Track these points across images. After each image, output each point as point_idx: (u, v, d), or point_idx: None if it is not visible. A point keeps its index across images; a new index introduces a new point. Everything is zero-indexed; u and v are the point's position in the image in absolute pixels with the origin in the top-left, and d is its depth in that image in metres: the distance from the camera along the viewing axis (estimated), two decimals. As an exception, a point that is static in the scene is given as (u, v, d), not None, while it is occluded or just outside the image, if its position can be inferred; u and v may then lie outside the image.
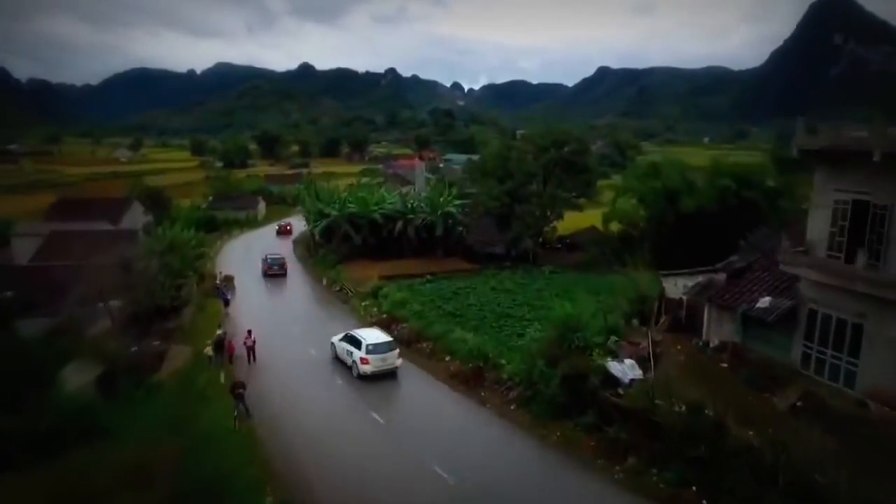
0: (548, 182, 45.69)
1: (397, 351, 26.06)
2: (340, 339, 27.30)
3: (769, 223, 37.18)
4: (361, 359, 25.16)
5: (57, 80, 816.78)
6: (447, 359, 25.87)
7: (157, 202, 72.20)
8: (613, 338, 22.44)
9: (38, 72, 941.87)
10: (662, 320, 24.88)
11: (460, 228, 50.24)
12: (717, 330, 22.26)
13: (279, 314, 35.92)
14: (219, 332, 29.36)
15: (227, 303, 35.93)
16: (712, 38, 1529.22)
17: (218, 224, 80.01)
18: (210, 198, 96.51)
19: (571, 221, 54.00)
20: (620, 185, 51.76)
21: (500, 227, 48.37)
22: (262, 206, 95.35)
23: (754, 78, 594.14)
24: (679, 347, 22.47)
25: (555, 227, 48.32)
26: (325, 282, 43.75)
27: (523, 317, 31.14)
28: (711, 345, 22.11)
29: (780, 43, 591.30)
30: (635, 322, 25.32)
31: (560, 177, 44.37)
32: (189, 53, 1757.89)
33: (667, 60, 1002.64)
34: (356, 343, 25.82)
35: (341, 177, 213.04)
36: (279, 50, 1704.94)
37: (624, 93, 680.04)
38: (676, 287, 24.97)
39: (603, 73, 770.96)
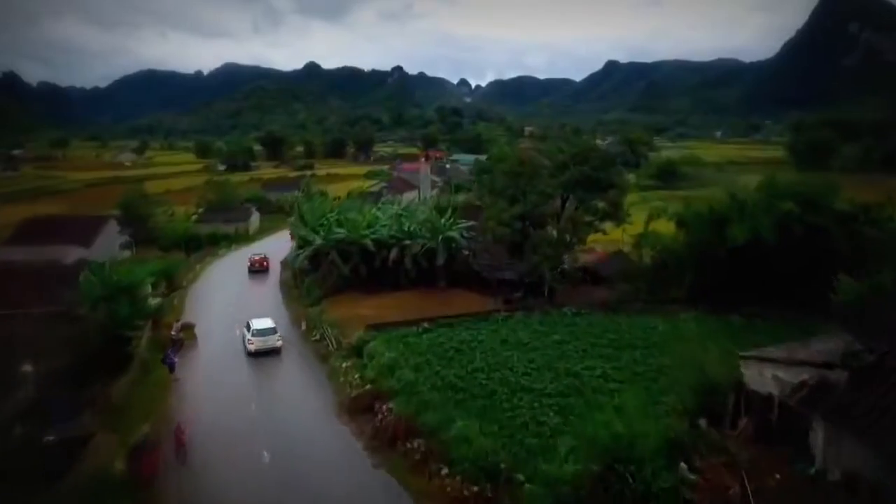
0: (567, 202, 38.50)
1: (278, 335, 33.28)
2: (244, 327, 34.25)
3: (844, 256, 29.86)
4: (248, 340, 32.83)
5: (67, 83, 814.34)
6: (443, 472, 18.86)
7: (136, 218, 65.26)
8: (683, 467, 15.34)
9: (49, 75, 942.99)
10: (742, 425, 17.73)
11: (466, 253, 43.23)
12: (836, 455, 15.11)
13: (237, 386, 28.66)
14: (143, 431, 21.69)
15: (172, 367, 28.85)
16: (722, 29, 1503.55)
17: (203, 241, 73.50)
18: (200, 209, 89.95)
19: (592, 241, 47.08)
20: (657, 205, 44.39)
21: (512, 253, 41.27)
22: (255, 217, 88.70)
23: (766, 70, 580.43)
24: (779, 477, 15.36)
25: (576, 253, 40.80)
26: (304, 325, 36.82)
27: (544, 390, 23.99)
28: (830, 476, 14.98)
29: (792, 33, 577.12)
30: (702, 423, 18.17)
31: (582, 196, 37.17)
32: (196, 54, 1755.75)
33: (676, 53, 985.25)
34: (248, 328, 33.56)
35: (346, 179, 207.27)
36: (286, 49, 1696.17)
37: (632, 87, 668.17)
38: (763, 377, 17.81)
39: (611, 67, 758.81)
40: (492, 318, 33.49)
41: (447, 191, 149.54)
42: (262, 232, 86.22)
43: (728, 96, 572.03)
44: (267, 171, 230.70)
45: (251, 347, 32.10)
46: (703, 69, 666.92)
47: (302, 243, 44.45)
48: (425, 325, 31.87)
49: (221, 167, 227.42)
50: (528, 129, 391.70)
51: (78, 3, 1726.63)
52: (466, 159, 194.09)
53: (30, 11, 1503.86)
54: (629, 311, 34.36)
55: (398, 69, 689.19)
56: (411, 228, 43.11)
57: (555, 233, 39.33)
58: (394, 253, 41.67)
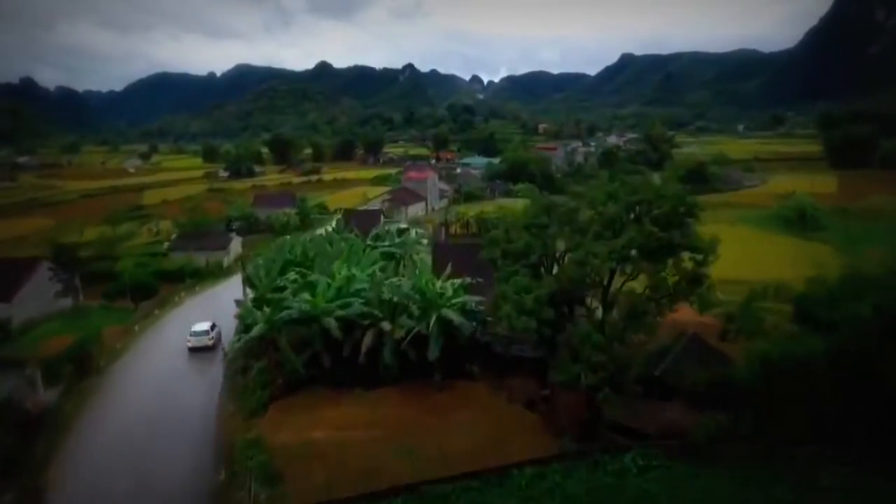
0: (616, 274, 25.31)
1: (210, 335, 39.44)
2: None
3: None
4: (188, 339, 39.36)
5: (84, 87, 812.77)
6: None
7: (72, 261, 53.14)
8: None
9: (66, 80, 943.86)
10: None
11: (474, 328, 30.37)
12: None
13: None
14: None
15: None
16: (741, 19, 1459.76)
17: (168, 278, 61.52)
18: (173, 235, 78.00)
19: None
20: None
21: (538, 345, 28.32)
22: (235, 243, 76.40)
23: (787, 60, 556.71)
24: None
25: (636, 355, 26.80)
26: (222, 474, 24.14)
27: None
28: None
29: (814, 21, 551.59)
30: None
31: (644, 266, 24.05)
32: (209, 56, 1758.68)
33: (693, 45, 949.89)
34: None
35: (353, 184, 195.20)
36: (297, 49, 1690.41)
37: (649, 80, 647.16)
38: None
39: (626, 60, 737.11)
40: (509, 480, 20.55)
41: (458, 200, 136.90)
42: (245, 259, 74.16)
43: (748, 88, 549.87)
44: (272, 176, 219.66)
45: (188, 345, 39.10)
46: (721, 60, 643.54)
47: (243, 325, 31.74)
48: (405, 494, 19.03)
49: (224, 174, 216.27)
50: (542, 127, 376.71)
51: (92, 8, 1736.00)
52: (479, 162, 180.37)
53: (46, 17, 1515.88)
54: (728, 459, 21.23)
55: (409, 67, 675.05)
56: (395, 299, 30.16)
57: (600, 310, 26.32)
58: (368, 339, 28.86)
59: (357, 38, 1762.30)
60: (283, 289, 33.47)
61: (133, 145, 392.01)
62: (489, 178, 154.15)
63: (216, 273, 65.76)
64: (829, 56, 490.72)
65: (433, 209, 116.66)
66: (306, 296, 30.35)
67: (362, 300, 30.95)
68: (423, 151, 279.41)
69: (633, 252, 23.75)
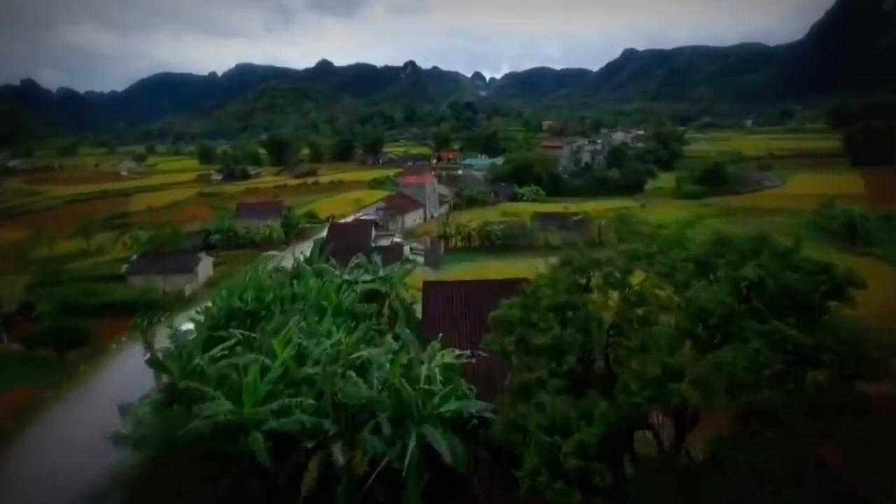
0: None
1: None
2: None
3: None
4: None
5: (85, 88, 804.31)
6: None
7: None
8: None
9: (68, 81, 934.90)
10: None
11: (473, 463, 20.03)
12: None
13: None
14: None
15: None
16: (745, 12, 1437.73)
17: (110, 311, 51.34)
18: (134, 256, 67.77)
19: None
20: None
21: None
22: (205, 265, 66.17)
23: (794, 53, 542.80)
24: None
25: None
26: None
27: None
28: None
29: (821, 14, 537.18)
30: None
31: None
32: (210, 55, 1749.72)
33: (697, 39, 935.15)
34: None
35: (350, 186, 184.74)
36: (299, 47, 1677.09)
37: (652, 75, 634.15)
38: None
39: (629, 55, 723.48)
40: None
41: (459, 206, 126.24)
42: (212, 286, 64.03)
43: (754, 82, 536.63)
44: (267, 178, 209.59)
45: None
46: (725, 54, 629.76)
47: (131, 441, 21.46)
48: None
49: (217, 176, 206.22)
50: (546, 124, 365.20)
51: (94, 9, 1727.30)
52: (481, 163, 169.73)
53: (48, 18, 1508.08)
54: None
55: (411, 64, 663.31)
56: (353, 402, 19.85)
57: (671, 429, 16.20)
58: (313, 470, 18.59)
59: (358, 36, 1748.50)
60: (203, 373, 23.15)
61: (131, 146, 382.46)
62: (493, 181, 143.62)
63: (176, 303, 55.55)
64: (836, 49, 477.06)
65: (432, 216, 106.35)
66: (228, 404, 19.97)
67: (311, 399, 20.63)
68: (425, 151, 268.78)
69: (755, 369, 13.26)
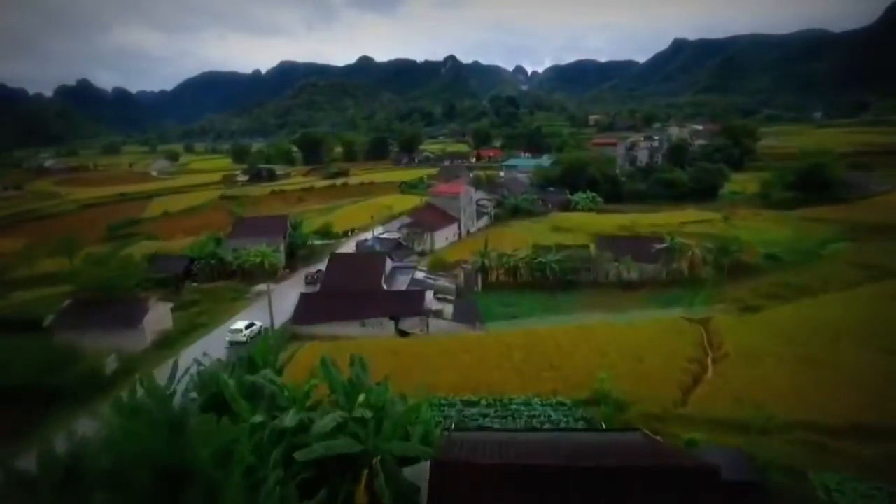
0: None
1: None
2: None
3: None
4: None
5: (137, 88, 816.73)
6: None
7: None
8: None
9: (121, 81, 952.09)
10: None
11: None
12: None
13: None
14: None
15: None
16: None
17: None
18: (66, 301, 50.10)
19: None
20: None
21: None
22: (154, 316, 47.88)
23: (862, 38, 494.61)
24: None
25: None
26: None
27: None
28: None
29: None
30: None
31: None
32: (254, 54, 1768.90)
33: (752, 27, 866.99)
34: None
35: (382, 189, 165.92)
36: (340, 44, 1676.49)
37: (703, 66, 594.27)
38: None
39: (679, 45, 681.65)
40: None
41: (502, 217, 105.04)
42: (166, 347, 46.00)
43: (818, 71, 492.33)
44: (295, 179, 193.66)
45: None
46: (784, 42, 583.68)
47: None
48: None
49: (243, 177, 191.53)
50: (592, 118, 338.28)
51: (145, 11, 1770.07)
52: (526, 164, 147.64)
53: (102, 21, 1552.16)
54: None
55: (451, 58, 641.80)
56: None
57: None
58: None
59: (399, 31, 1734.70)
60: None
61: (171, 145, 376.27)
62: (540, 185, 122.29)
63: (91, 390, 37.31)
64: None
65: (468, 232, 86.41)
66: None
67: None
68: (463, 148, 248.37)
69: None
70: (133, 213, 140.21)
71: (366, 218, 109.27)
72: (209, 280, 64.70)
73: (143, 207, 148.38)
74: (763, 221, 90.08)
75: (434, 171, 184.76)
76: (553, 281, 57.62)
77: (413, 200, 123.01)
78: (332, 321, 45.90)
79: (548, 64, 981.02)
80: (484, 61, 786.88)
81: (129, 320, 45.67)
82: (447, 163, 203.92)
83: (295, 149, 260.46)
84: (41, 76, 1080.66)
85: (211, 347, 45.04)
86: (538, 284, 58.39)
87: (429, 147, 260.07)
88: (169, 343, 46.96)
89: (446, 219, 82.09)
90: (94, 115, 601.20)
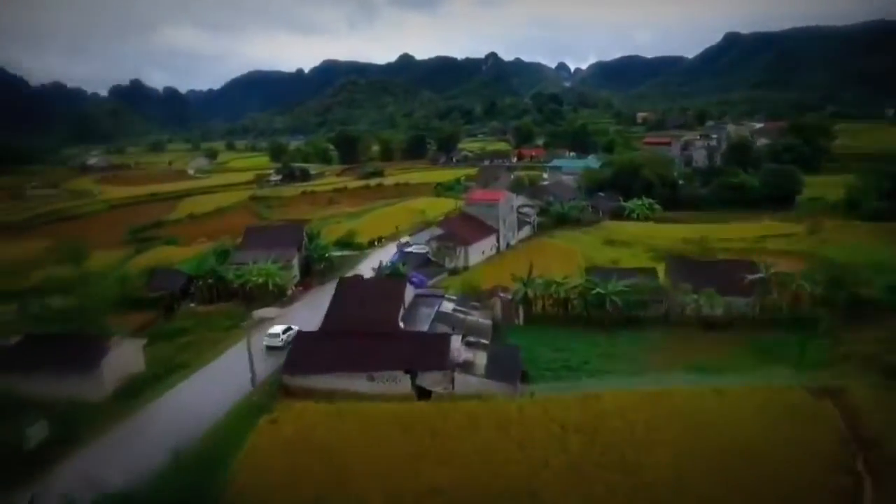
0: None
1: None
2: None
3: None
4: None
5: (187, 87, 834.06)
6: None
7: None
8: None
9: (172, 80, 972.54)
10: None
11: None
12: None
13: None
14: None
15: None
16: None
17: None
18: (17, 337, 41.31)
19: None
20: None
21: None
22: (117, 358, 38.10)
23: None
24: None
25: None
26: None
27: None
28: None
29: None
30: None
31: None
32: (298, 53, 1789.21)
33: (810, 19, 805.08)
34: None
35: (417, 190, 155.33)
36: (382, 42, 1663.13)
37: (758, 61, 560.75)
38: None
39: (731, 39, 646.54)
40: None
41: (547, 227, 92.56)
42: (132, 396, 36.58)
43: (884, 66, 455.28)
44: (329, 180, 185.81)
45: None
46: (845, 35, 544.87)
47: None
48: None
49: (276, 177, 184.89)
50: (641, 115, 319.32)
51: (193, 11, 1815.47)
52: (573, 165, 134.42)
53: (155, 23, 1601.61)
54: None
55: (492, 56, 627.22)
56: None
57: None
58: None
59: (440, 29, 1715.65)
60: None
61: (213, 143, 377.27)
62: (588, 189, 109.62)
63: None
64: None
65: (508, 245, 75.02)
66: None
67: None
68: (503, 147, 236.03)
69: None
70: (160, 214, 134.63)
71: (396, 224, 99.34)
72: (207, 301, 55.61)
73: (171, 208, 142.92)
74: (859, 236, 75.28)
75: (472, 171, 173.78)
76: (613, 315, 45.80)
77: (448, 204, 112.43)
78: (332, 372, 35.59)
79: (592, 60, 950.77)
80: (526, 58, 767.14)
81: (85, 362, 36.53)
82: (486, 162, 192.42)
83: (331, 147, 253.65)
84: (98, 76, 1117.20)
85: (184, 400, 35.61)
86: (594, 320, 46.65)
87: (468, 146, 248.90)
88: (135, 390, 37.60)
89: (483, 230, 70.94)
90: (145, 113, 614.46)
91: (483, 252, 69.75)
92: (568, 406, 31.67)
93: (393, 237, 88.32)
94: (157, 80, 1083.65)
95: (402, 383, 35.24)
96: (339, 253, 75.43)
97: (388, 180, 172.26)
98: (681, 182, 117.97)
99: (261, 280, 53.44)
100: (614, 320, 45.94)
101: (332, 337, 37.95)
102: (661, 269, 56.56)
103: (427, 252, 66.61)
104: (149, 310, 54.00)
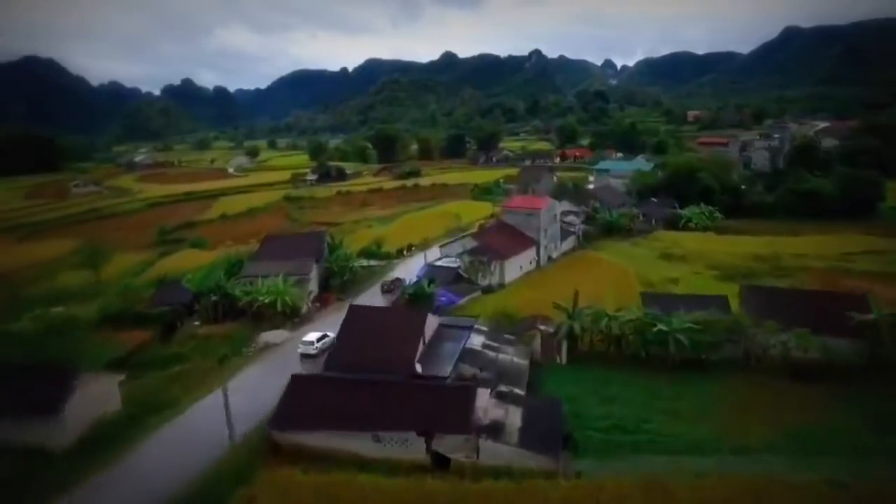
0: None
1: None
2: None
3: None
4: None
5: (235, 86, 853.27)
6: None
7: None
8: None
9: (223, 80, 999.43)
10: None
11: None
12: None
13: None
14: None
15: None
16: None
17: None
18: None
19: None
20: None
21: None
22: (87, 398, 32.51)
23: None
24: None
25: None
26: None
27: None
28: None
29: None
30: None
31: None
32: (343, 52, 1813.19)
33: (881, 10, 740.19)
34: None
35: (453, 192, 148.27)
36: (425, 40, 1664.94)
37: (821, 56, 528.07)
38: None
39: (790, 34, 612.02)
40: None
41: (594, 237, 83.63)
42: (100, 443, 31.13)
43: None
44: (365, 179, 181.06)
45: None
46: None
47: None
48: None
49: (312, 176, 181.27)
50: (692, 114, 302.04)
51: (242, 12, 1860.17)
52: (622, 167, 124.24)
53: (206, 24, 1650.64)
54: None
55: (536, 53, 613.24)
56: None
57: None
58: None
59: (483, 26, 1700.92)
60: None
61: (256, 141, 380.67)
62: (640, 194, 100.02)
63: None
64: None
65: (549, 259, 67.00)
66: None
67: None
68: (545, 147, 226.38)
69: None
70: (194, 214, 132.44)
71: (428, 230, 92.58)
72: (212, 320, 50.01)
73: (206, 207, 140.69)
74: None
75: (512, 171, 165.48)
76: (677, 356, 37.47)
77: (484, 209, 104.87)
78: (330, 429, 28.85)
79: (639, 57, 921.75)
80: (570, 55, 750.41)
81: (46, 404, 31.02)
82: (528, 163, 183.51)
83: (370, 146, 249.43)
84: (154, 77, 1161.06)
85: (153, 456, 29.60)
86: (653, 361, 38.45)
87: (509, 145, 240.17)
88: (105, 438, 31.87)
89: (521, 242, 63.19)
90: (195, 112, 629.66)
91: (521, 267, 62.02)
92: (625, 496, 23.93)
93: (424, 244, 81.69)
94: (207, 79, 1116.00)
95: (415, 447, 28.17)
96: (364, 263, 69.25)
97: (425, 180, 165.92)
98: (742, 187, 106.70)
99: (267, 300, 47.36)
100: (678, 363, 37.59)
101: (333, 384, 31.23)
102: (728, 289, 47.72)
103: (458, 266, 59.35)
104: (149, 327, 48.97)
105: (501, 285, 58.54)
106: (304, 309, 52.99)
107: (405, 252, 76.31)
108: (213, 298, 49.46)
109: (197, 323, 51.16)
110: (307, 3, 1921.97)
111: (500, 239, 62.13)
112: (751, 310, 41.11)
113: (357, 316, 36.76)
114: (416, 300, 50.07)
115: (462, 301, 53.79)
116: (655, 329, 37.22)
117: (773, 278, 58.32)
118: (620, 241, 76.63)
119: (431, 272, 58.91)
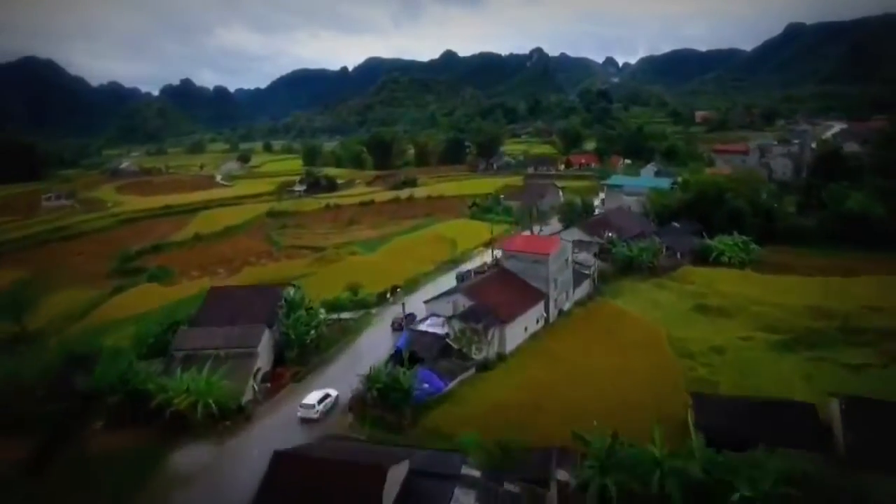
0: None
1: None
2: None
3: None
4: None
5: (235, 86, 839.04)
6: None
7: None
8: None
9: (222, 80, 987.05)
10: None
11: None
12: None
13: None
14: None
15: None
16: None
17: None
18: None
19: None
20: None
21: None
22: None
23: None
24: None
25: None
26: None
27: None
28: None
29: None
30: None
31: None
32: (343, 51, 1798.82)
33: (885, 6, 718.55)
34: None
35: (450, 206, 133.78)
36: (426, 40, 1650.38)
37: (824, 53, 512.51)
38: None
39: (794, 30, 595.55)
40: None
41: (610, 277, 69.79)
42: None
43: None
44: (358, 190, 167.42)
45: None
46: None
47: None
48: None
49: (300, 187, 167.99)
50: (700, 115, 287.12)
51: (243, 12, 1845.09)
52: (636, 184, 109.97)
53: (207, 24, 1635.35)
54: None
55: (537, 51, 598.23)
56: None
57: None
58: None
59: (484, 25, 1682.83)
60: None
61: (253, 143, 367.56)
62: (660, 215, 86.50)
63: None
64: None
65: (560, 312, 53.75)
66: None
67: None
68: (549, 150, 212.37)
69: None
70: (167, 233, 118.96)
71: (419, 260, 79.43)
72: (118, 424, 36.92)
73: (182, 224, 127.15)
74: None
75: (515, 179, 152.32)
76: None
77: (483, 232, 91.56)
78: None
79: (641, 55, 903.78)
80: (572, 53, 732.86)
81: None
82: (531, 170, 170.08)
83: (365, 151, 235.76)
84: (154, 77, 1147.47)
85: None
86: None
87: (511, 147, 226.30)
88: None
89: (526, 296, 50.02)
90: (195, 113, 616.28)
91: (526, 328, 48.91)
92: None
93: (412, 281, 68.64)
94: (208, 79, 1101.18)
95: None
96: (334, 316, 56.16)
97: (420, 192, 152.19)
98: (774, 205, 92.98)
99: (183, 404, 34.30)
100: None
101: None
102: (790, 365, 34.48)
103: (447, 333, 46.20)
104: (29, 433, 35.90)
105: (501, 357, 45.45)
106: (249, 397, 40.07)
107: (389, 296, 63.06)
108: (114, 398, 36.30)
109: (102, 423, 38.12)
110: (309, 3, 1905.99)
111: (500, 295, 48.90)
112: (857, 442, 27.86)
113: (283, 478, 23.54)
114: (386, 395, 37.03)
115: (450, 387, 40.81)
116: (738, 497, 23.90)
117: (849, 346, 45.13)
118: (642, 282, 63.36)
119: (413, 340, 45.79)
